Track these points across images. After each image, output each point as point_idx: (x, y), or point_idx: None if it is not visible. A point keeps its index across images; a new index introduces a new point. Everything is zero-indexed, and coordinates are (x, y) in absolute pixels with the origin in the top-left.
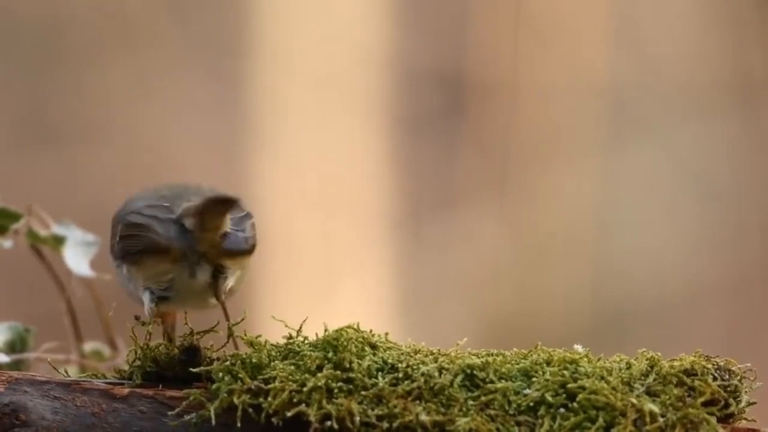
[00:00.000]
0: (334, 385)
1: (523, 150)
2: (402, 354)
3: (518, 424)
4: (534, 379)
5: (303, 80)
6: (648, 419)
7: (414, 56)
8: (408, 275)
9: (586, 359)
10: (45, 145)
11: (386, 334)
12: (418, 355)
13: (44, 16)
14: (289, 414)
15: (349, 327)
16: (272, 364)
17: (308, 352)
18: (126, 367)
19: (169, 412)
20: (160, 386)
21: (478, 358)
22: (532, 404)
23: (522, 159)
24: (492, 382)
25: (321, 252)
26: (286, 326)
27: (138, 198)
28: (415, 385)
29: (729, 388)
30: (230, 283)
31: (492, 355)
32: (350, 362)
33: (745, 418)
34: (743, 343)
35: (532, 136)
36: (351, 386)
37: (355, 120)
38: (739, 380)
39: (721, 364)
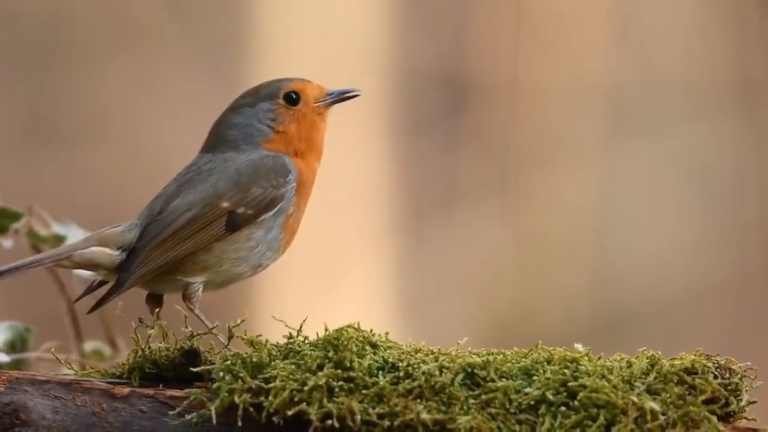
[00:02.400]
0: (334, 383)
1: (523, 150)
2: (402, 353)
3: (519, 422)
4: (535, 377)
5: None
6: (649, 417)
7: (414, 57)
8: (408, 275)
9: (586, 358)
10: (46, 145)
11: (386, 333)
12: (419, 354)
13: (44, 16)
14: (289, 413)
15: (349, 326)
16: (273, 363)
17: (309, 352)
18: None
19: (170, 412)
20: (161, 386)
21: (479, 357)
22: (533, 402)
23: (522, 159)
24: (493, 380)
25: (322, 252)
26: (287, 326)
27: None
28: (415, 383)
29: (729, 387)
30: (196, 289)
31: (492, 354)
32: (351, 361)
33: (746, 417)
34: (744, 342)
35: (532, 136)
36: (352, 385)
37: (356, 120)
38: (740, 379)
39: (722, 362)
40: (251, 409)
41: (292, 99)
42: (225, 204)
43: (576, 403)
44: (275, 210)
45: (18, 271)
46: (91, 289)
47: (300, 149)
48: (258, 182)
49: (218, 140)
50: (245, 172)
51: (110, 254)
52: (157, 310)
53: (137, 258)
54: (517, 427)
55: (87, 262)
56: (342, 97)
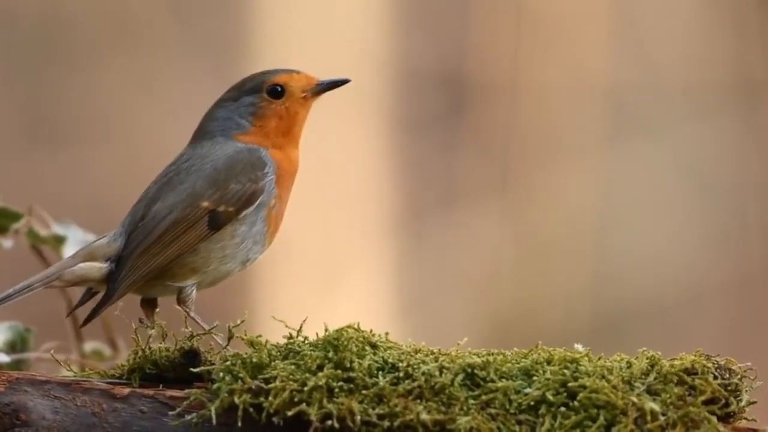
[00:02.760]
0: (334, 384)
1: (523, 150)
2: (402, 353)
3: (519, 422)
4: (535, 378)
5: None
6: (649, 418)
7: (415, 57)
8: (409, 275)
9: (586, 358)
10: (46, 145)
11: (386, 333)
12: (419, 354)
13: (44, 16)
14: (289, 413)
15: (349, 327)
16: (273, 363)
17: (309, 352)
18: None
19: (170, 412)
20: (161, 386)
21: (479, 357)
22: (532, 403)
23: (522, 159)
24: (493, 381)
25: (321, 252)
26: (287, 326)
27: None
28: (415, 384)
29: (729, 387)
30: (189, 291)
31: (492, 354)
32: (351, 362)
33: (746, 417)
34: (744, 342)
35: (532, 136)
36: (352, 385)
37: (357, 120)
38: (740, 379)
39: (722, 363)
40: (251, 409)
41: (277, 92)
42: (205, 203)
43: (576, 403)
44: (256, 204)
45: (11, 300)
46: (89, 296)
47: (278, 142)
48: (235, 178)
49: (201, 132)
50: (222, 168)
51: (99, 267)
52: (156, 310)
53: (124, 267)
54: (517, 428)
55: (77, 278)
56: (331, 85)
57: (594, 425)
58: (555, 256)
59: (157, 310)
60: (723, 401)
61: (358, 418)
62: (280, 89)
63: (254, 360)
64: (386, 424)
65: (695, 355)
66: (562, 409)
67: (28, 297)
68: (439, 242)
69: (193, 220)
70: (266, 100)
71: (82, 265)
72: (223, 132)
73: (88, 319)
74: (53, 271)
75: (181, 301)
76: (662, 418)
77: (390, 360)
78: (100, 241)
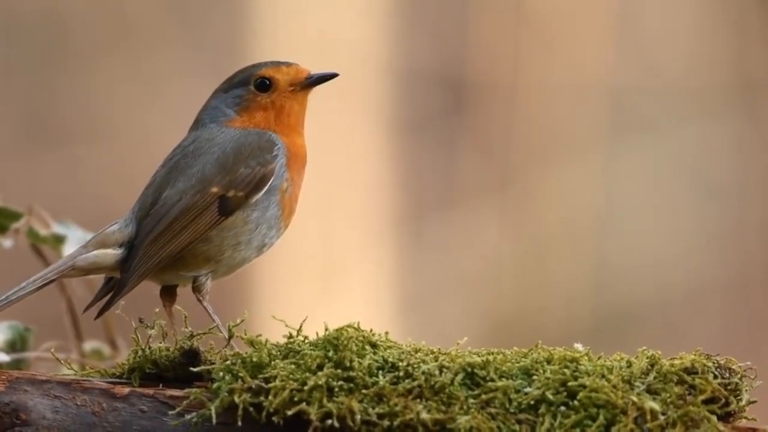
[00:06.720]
0: (334, 383)
1: (523, 150)
2: (402, 353)
3: (519, 422)
4: (534, 377)
5: None
6: (649, 417)
7: (415, 57)
8: (409, 275)
9: (586, 358)
10: (46, 144)
11: (386, 333)
12: (419, 353)
13: (45, 17)
14: (289, 413)
15: (349, 326)
16: (273, 363)
17: (309, 351)
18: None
19: (170, 412)
20: (161, 385)
21: (479, 356)
22: (532, 402)
23: (522, 159)
24: (492, 380)
25: (321, 252)
26: (287, 326)
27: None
28: (415, 383)
29: (729, 387)
30: (203, 280)
31: (492, 353)
32: (351, 361)
33: (746, 417)
34: (743, 342)
35: (532, 136)
36: (352, 385)
37: (357, 120)
38: (740, 378)
39: (722, 362)
40: (251, 408)
41: (265, 85)
42: (214, 189)
43: (576, 402)
44: (266, 188)
45: (26, 293)
46: (99, 297)
47: (274, 131)
48: (244, 162)
49: (195, 120)
50: (230, 153)
51: (113, 254)
52: (171, 307)
53: (137, 255)
54: (516, 427)
55: (91, 266)
56: (320, 79)
57: (594, 424)
58: (555, 256)
59: (172, 307)
60: (723, 400)
61: (358, 417)
62: (267, 82)
63: (254, 359)
64: (386, 423)
65: (695, 355)
66: (562, 408)
67: (35, 293)
68: (438, 242)
69: (202, 207)
70: (253, 92)
71: (95, 252)
72: (212, 119)
73: (102, 311)
74: (67, 260)
75: (195, 289)
76: (662, 418)
77: (390, 359)
78: (111, 227)
